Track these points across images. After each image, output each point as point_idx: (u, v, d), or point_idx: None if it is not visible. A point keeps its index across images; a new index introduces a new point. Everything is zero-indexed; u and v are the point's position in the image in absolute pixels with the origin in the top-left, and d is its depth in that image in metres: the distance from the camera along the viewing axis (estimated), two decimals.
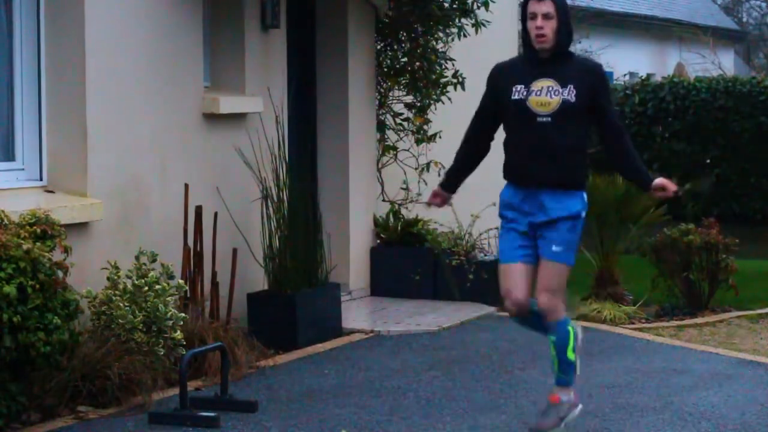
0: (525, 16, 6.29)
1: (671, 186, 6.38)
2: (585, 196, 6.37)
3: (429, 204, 6.80)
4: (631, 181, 6.73)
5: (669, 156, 17.55)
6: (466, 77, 11.05)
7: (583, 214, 6.33)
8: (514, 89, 6.26)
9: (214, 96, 8.97)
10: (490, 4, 10.98)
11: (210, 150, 8.91)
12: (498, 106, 6.37)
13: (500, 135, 6.50)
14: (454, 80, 11.12)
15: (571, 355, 6.36)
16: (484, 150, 6.56)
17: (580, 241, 6.48)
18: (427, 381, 7.92)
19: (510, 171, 6.39)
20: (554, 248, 6.24)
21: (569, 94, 6.20)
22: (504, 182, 6.48)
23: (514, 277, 6.30)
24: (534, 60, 6.30)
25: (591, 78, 6.28)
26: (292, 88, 9.78)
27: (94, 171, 7.89)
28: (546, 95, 6.22)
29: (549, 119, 6.21)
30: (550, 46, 6.24)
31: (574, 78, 6.23)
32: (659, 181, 6.36)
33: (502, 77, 6.38)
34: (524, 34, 6.31)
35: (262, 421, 6.86)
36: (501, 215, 6.44)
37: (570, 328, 6.37)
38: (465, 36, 11.02)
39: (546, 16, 6.21)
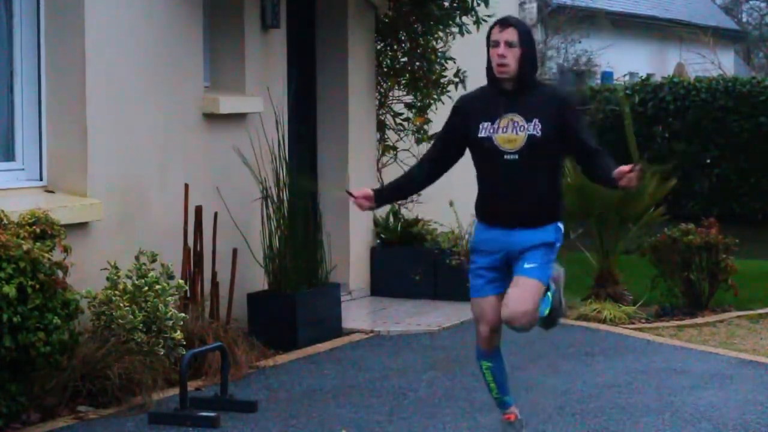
0: (489, 43, 6.05)
1: (625, 168, 5.92)
2: (561, 226, 6.14)
3: (351, 196, 6.30)
4: (606, 186, 6.25)
5: (669, 156, 17.54)
6: (468, 74, 11.04)
7: (558, 245, 6.12)
8: (480, 126, 6.04)
9: (214, 96, 8.97)
10: (490, 2, 10.95)
11: (210, 150, 8.91)
12: (463, 142, 6.15)
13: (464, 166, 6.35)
14: (456, 79, 11.12)
15: (548, 305, 6.11)
16: (429, 181, 6.33)
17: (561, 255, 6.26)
18: (427, 381, 7.93)
19: (480, 209, 6.20)
20: (526, 265, 6.01)
21: (534, 128, 5.97)
22: None
23: (487, 307, 6.10)
24: (498, 92, 6.07)
25: (556, 107, 6.02)
26: (292, 88, 9.77)
27: (94, 171, 7.89)
28: (512, 132, 5.99)
29: (516, 156, 5.98)
30: (511, 77, 6.00)
31: (538, 110, 5.99)
32: (618, 170, 5.94)
33: (468, 112, 6.13)
34: (488, 63, 6.07)
35: (262, 421, 6.86)
36: (472, 252, 6.23)
37: (545, 309, 6.11)
38: (467, 33, 10.99)
39: (509, 44, 5.97)
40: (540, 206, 6.07)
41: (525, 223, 6.05)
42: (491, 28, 6.08)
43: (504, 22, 6.05)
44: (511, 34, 5.98)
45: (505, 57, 5.97)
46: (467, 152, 6.27)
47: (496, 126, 6.03)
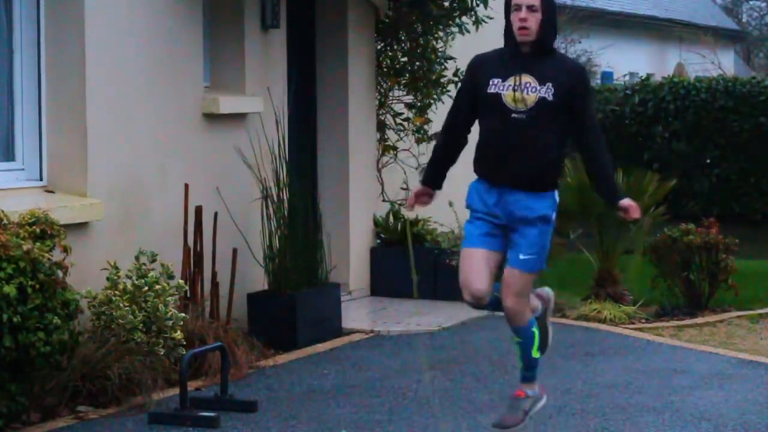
0: (509, 8, 6.07)
1: (635, 212, 6.13)
2: (556, 195, 6.15)
3: (412, 206, 6.47)
4: (599, 192, 6.41)
5: (669, 156, 17.54)
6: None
7: (553, 216, 6.13)
8: (491, 82, 6.05)
9: (214, 96, 8.97)
10: (490, 1, 10.96)
11: (210, 150, 8.91)
12: (475, 97, 6.15)
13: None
14: (455, 78, 11.12)
15: (535, 353, 6.21)
16: (462, 141, 6.32)
17: (552, 244, 6.25)
18: (427, 381, 7.92)
19: (481, 167, 6.16)
20: (522, 257, 6.03)
21: (547, 92, 5.99)
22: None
23: (476, 265, 6.06)
24: (515, 54, 6.07)
25: (571, 78, 6.05)
26: (292, 88, 9.77)
27: (94, 171, 7.89)
28: (523, 91, 6.00)
29: (524, 116, 5.99)
30: (532, 40, 6.02)
31: (554, 76, 6.01)
32: (626, 202, 6.13)
33: (481, 68, 6.14)
34: (507, 27, 6.08)
35: (262, 421, 6.86)
36: (468, 205, 6.22)
37: (534, 330, 6.19)
38: (467, 32, 11.00)
39: (531, 9, 5.98)
40: (541, 170, 6.07)
41: (524, 186, 6.05)
42: None
43: None
44: None
45: (527, 20, 5.99)
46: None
47: (507, 84, 6.03)
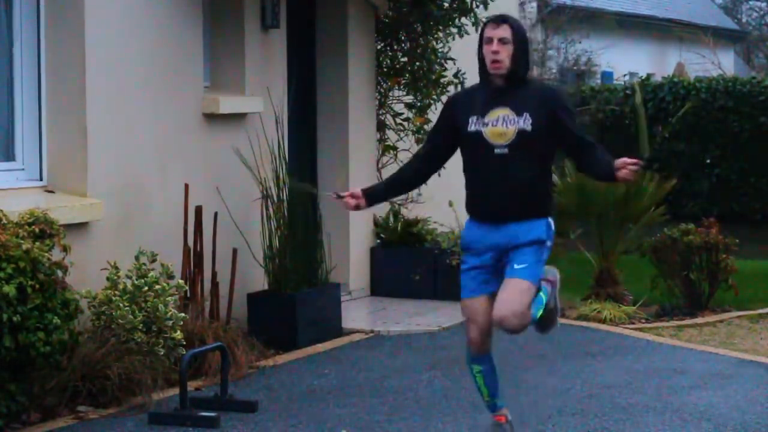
0: (481, 41, 6.06)
1: (629, 160, 5.90)
2: (551, 222, 6.13)
3: (338, 197, 6.28)
4: (602, 178, 6.25)
5: (669, 156, 17.54)
6: (468, 76, 11.04)
7: (549, 243, 6.10)
8: (470, 120, 6.05)
9: (214, 96, 8.97)
10: (490, 3, 10.96)
11: (210, 150, 8.91)
12: (453, 138, 6.14)
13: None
14: (456, 80, 11.12)
15: (542, 305, 6.09)
16: (423, 178, 6.34)
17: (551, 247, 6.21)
18: (427, 381, 7.93)
19: (471, 206, 6.18)
20: (516, 265, 5.99)
21: (525, 122, 5.97)
22: None
23: (478, 308, 6.07)
24: (489, 88, 6.08)
25: (547, 102, 6.03)
26: (292, 88, 9.78)
27: (94, 171, 7.89)
28: (502, 125, 5.99)
29: (506, 150, 5.98)
30: (504, 73, 6.01)
31: (529, 105, 5.99)
32: (620, 160, 5.91)
33: (457, 109, 6.14)
34: (480, 60, 6.08)
35: (262, 421, 6.86)
36: (463, 250, 6.21)
37: (539, 311, 6.08)
38: (467, 34, 11.00)
39: (502, 41, 5.98)
40: (530, 200, 6.05)
41: (515, 218, 6.02)
42: (484, 25, 6.11)
43: (497, 20, 6.08)
44: (504, 31, 6.01)
45: (499, 53, 5.99)
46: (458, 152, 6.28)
47: (485, 120, 6.03)
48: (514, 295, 5.95)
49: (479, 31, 6.15)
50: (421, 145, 6.43)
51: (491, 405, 6.35)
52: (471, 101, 6.13)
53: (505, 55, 6.00)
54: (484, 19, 10.82)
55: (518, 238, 6.03)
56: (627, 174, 5.89)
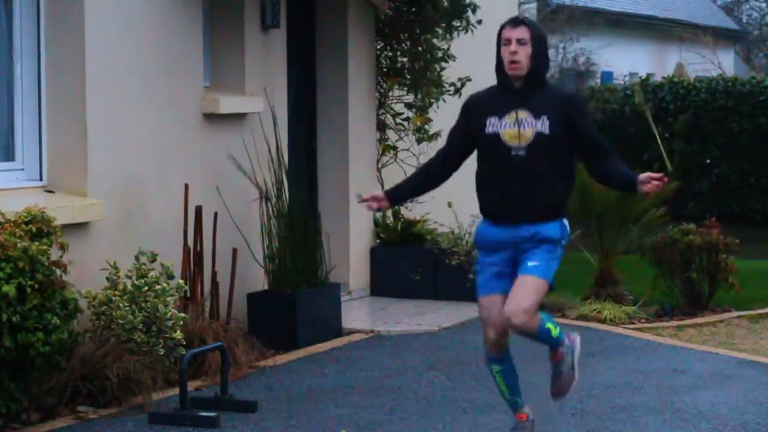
0: (499, 42, 6.07)
1: (655, 175, 6.00)
2: (565, 222, 6.15)
3: (362, 200, 6.34)
4: (620, 188, 6.39)
5: (669, 156, 17.54)
6: (470, 76, 11.05)
7: (563, 242, 6.13)
8: (488, 122, 6.06)
9: (214, 96, 8.97)
10: (488, 2, 10.98)
11: (210, 150, 8.91)
12: (471, 139, 6.17)
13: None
14: (458, 83, 11.14)
15: (555, 333, 6.13)
16: (444, 177, 6.36)
17: (562, 260, 6.23)
18: (427, 381, 7.92)
19: (485, 208, 6.20)
20: (530, 263, 6.02)
21: (543, 125, 5.99)
22: None
23: (493, 307, 6.11)
24: (507, 89, 6.09)
25: (565, 106, 6.05)
26: (292, 88, 9.78)
27: (94, 171, 7.89)
28: (519, 127, 6.01)
29: (524, 152, 6.00)
30: (523, 74, 6.03)
31: (547, 108, 6.01)
32: (646, 174, 6.00)
33: (476, 109, 6.16)
34: (498, 62, 6.10)
35: (262, 421, 6.86)
36: (477, 249, 6.25)
37: (548, 325, 6.12)
38: (457, 36, 11.05)
39: (520, 42, 5.99)
40: (546, 202, 6.08)
41: (530, 219, 6.06)
42: (502, 27, 6.11)
43: (515, 21, 6.10)
44: (522, 32, 6.02)
45: (517, 54, 6.00)
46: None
47: (503, 122, 6.05)
48: (525, 291, 5.99)
49: (498, 33, 6.14)
50: (441, 147, 6.42)
51: (513, 403, 6.38)
52: (489, 102, 6.14)
53: (524, 56, 6.02)
54: (474, 24, 10.98)
55: (532, 237, 6.06)
56: (652, 188, 5.96)
